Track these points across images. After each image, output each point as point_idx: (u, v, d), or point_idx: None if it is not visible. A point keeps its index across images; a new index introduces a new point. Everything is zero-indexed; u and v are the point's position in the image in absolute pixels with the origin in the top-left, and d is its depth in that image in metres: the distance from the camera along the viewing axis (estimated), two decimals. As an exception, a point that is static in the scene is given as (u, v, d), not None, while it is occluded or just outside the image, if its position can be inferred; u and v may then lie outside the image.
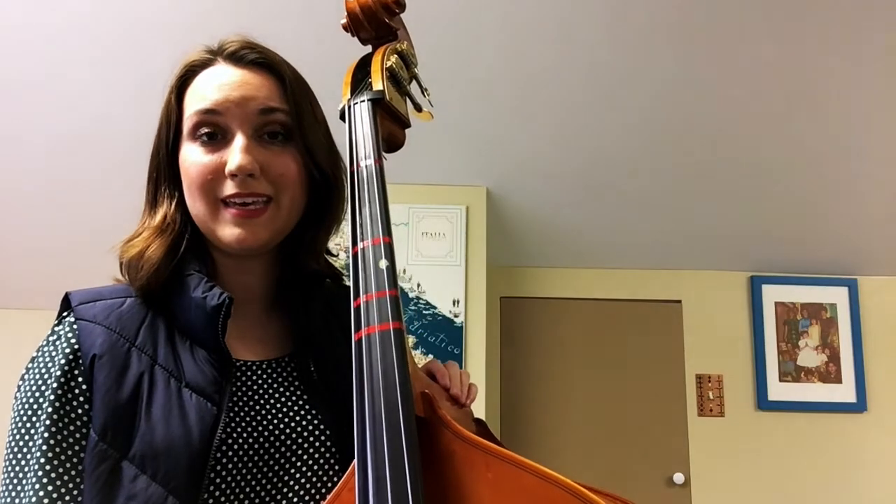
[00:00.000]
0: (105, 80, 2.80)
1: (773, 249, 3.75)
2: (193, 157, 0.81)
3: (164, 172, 0.85)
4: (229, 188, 0.80)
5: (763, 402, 3.77)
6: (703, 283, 3.91)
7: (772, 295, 3.85)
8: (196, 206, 0.82)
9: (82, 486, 0.73)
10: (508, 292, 3.91)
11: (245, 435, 0.78)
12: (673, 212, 3.52)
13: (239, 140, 0.80)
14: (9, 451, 0.75)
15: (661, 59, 2.78)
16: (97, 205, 3.21)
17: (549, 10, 2.60)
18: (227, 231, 0.81)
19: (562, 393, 3.82)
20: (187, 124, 0.82)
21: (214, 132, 0.81)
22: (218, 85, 0.82)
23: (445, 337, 3.22)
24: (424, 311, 3.24)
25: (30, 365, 0.80)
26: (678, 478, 3.68)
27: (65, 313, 0.82)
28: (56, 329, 0.80)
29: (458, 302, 3.27)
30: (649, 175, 3.31)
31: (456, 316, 3.25)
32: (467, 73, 2.83)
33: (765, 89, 2.90)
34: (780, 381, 3.78)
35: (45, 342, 0.80)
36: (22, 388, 0.78)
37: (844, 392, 3.77)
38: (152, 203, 0.85)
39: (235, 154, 0.79)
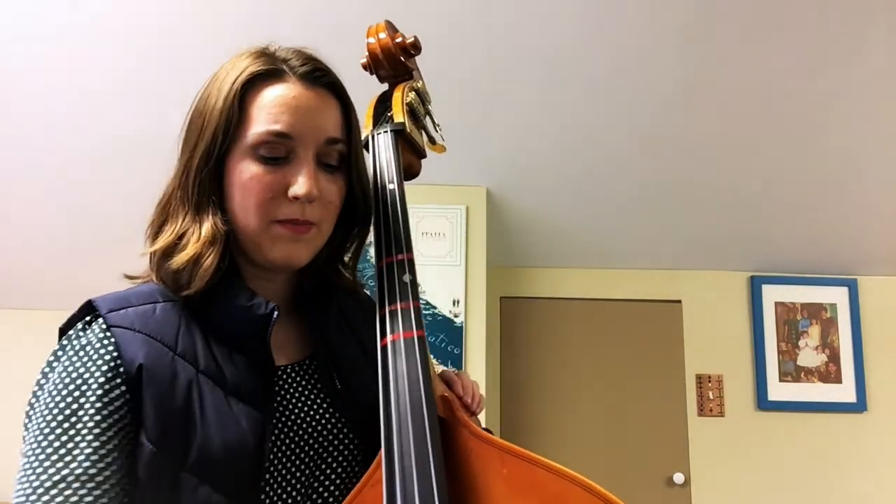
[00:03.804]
0: (107, 81, 2.80)
1: (773, 249, 3.76)
2: (254, 173, 0.80)
3: (212, 179, 0.82)
4: (287, 211, 0.81)
5: (763, 402, 3.77)
6: (703, 283, 3.92)
7: (772, 295, 3.86)
8: (249, 220, 0.81)
9: (126, 496, 0.72)
10: (508, 292, 3.92)
11: (286, 439, 0.80)
12: (673, 212, 3.52)
13: (306, 166, 0.81)
14: (34, 463, 0.71)
15: (662, 61, 2.79)
16: (98, 205, 3.21)
17: (551, 12, 2.60)
18: (276, 249, 0.82)
19: (562, 393, 3.82)
20: (252, 138, 0.80)
21: (278, 151, 0.81)
22: (294, 107, 0.81)
23: (445, 337, 3.23)
24: (424, 311, 3.24)
25: (47, 371, 0.76)
26: (678, 478, 3.69)
27: (88, 317, 0.79)
28: (82, 335, 0.77)
29: (458, 302, 3.27)
30: (650, 175, 3.32)
31: (456, 316, 3.26)
32: (467, 73, 2.83)
33: (765, 90, 2.90)
34: (780, 381, 3.79)
35: (68, 349, 0.77)
36: (44, 398, 0.74)
37: (844, 392, 3.77)
38: (196, 208, 0.82)
39: (304, 180, 0.80)
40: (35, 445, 0.72)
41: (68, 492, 0.70)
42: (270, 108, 0.81)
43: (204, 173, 0.82)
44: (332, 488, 0.83)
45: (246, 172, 0.81)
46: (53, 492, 0.70)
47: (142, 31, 2.64)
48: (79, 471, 0.70)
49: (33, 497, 0.70)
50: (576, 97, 2.95)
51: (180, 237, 0.81)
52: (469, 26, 2.67)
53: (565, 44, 2.74)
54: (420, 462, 0.64)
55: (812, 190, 3.37)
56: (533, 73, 2.85)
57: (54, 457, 0.71)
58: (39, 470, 0.71)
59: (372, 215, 0.90)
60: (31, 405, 0.76)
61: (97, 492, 0.70)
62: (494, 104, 2.99)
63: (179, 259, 0.80)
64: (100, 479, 0.71)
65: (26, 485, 0.71)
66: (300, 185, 0.80)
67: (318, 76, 0.84)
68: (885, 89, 2.90)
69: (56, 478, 0.70)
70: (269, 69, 0.83)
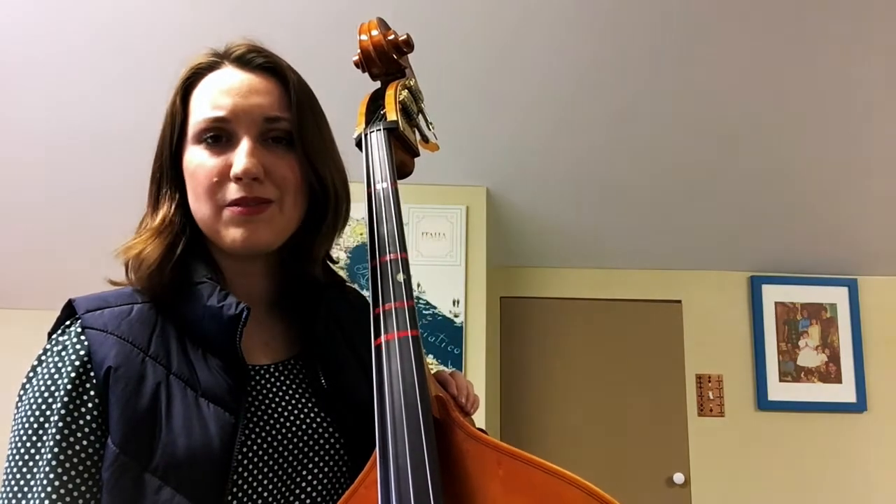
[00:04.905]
0: (107, 82, 2.80)
1: (773, 249, 3.76)
2: (199, 160, 0.82)
3: (167, 174, 0.85)
4: (234, 192, 0.81)
5: (763, 402, 3.77)
6: (703, 283, 3.91)
7: (772, 295, 3.86)
8: (201, 208, 0.83)
9: (92, 502, 0.73)
10: (508, 292, 3.91)
11: (259, 440, 0.79)
12: (673, 212, 3.52)
13: (244, 144, 0.81)
14: (12, 465, 0.74)
15: (663, 61, 2.79)
16: (97, 205, 3.21)
17: (549, 9, 2.60)
18: (231, 232, 0.82)
19: (562, 393, 3.82)
20: (194, 128, 0.83)
21: (220, 136, 0.82)
22: (226, 90, 0.83)
23: (445, 337, 3.23)
24: (424, 311, 3.24)
25: (31, 374, 0.78)
26: (678, 478, 3.68)
27: (68, 321, 0.80)
28: (61, 339, 0.79)
29: (458, 302, 3.27)
30: (649, 175, 3.32)
31: (456, 316, 3.25)
32: (467, 73, 2.83)
33: (765, 90, 2.90)
34: (780, 381, 3.79)
35: (49, 352, 0.78)
36: (25, 400, 0.77)
37: (844, 392, 3.77)
38: (154, 204, 0.85)
39: (241, 157, 0.80)
40: (9, 455, 0.75)
41: (30, 497, 0.72)
42: (206, 96, 0.83)
43: (160, 171, 0.85)
44: (319, 487, 0.82)
45: (193, 161, 0.83)
46: (19, 496, 0.72)
47: (146, 35, 2.64)
48: (41, 478, 0.72)
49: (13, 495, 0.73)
50: (576, 98, 2.95)
51: (139, 234, 0.84)
52: (469, 26, 2.67)
53: (565, 45, 2.74)
54: (415, 463, 0.64)
55: (812, 190, 3.37)
56: (533, 74, 2.85)
57: (21, 464, 0.74)
58: (11, 481, 0.73)
59: (340, 201, 0.89)
60: (14, 418, 0.78)
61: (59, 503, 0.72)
62: (494, 104, 2.99)
63: (127, 252, 0.82)
64: (62, 489, 0.72)
65: (1, 495, 0.74)
66: (237, 164, 0.80)
67: (252, 58, 0.85)
68: (885, 88, 2.90)
69: (21, 483, 0.73)
70: (209, 62, 0.86)
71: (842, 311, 3.85)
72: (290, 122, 0.84)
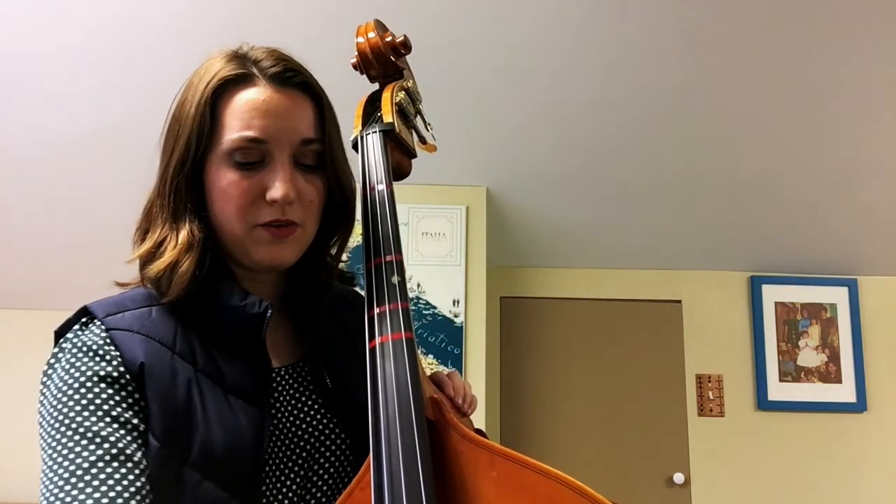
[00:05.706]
0: (108, 83, 2.80)
1: (773, 249, 3.76)
2: (231, 179, 0.81)
3: (189, 187, 0.82)
4: (268, 214, 0.81)
5: (763, 402, 3.77)
6: (703, 283, 3.91)
7: (772, 295, 3.86)
8: (231, 225, 0.82)
9: (146, 489, 0.71)
10: (508, 292, 3.92)
11: (280, 437, 0.81)
12: (673, 212, 3.52)
13: (282, 169, 0.81)
14: (69, 445, 0.70)
15: (663, 61, 2.79)
16: (98, 205, 3.21)
17: (550, 11, 2.61)
18: (262, 251, 0.82)
19: (562, 393, 3.82)
20: (226, 145, 0.81)
21: (254, 155, 0.81)
22: (264, 110, 0.81)
23: (445, 337, 3.23)
24: (424, 311, 3.24)
25: (49, 371, 0.76)
26: (678, 478, 3.68)
27: (84, 318, 0.79)
28: (82, 336, 0.77)
29: (458, 302, 3.27)
30: (649, 175, 3.32)
31: (456, 316, 3.26)
32: (468, 73, 2.84)
33: (765, 91, 2.90)
34: (780, 381, 3.79)
35: (71, 349, 0.77)
36: (56, 394, 0.74)
37: (844, 392, 3.77)
38: (174, 216, 0.82)
39: (280, 183, 0.80)
40: (58, 436, 0.71)
41: (108, 469, 0.69)
42: (242, 114, 0.81)
43: (180, 181, 0.82)
44: (324, 488, 0.84)
45: (224, 179, 0.81)
46: (93, 471, 0.69)
47: (146, 37, 2.64)
48: (114, 450, 0.70)
49: (73, 480, 0.68)
50: (576, 97, 2.95)
51: (159, 244, 0.82)
52: (470, 26, 2.67)
53: (565, 44, 2.74)
54: (408, 465, 0.64)
55: (813, 190, 3.37)
56: (533, 74, 2.85)
57: (83, 441, 0.70)
58: (72, 455, 0.70)
59: (353, 212, 0.91)
60: (41, 405, 0.76)
61: (137, 470, 0.70)
62: (494, 104, 2.99)
63: (157, 266, 0.81)
64: (135, 458, 0.71)
65: (61, 471, 0.69)
66: (277, 189, 0.80)
67: (290, 76, 0.84)
68: (886, 89, 2.90)
69: (92, 458, 0.69)
70: (240, 73, 0.82)
71: (842, 311, 3.85)
72: (322, 142, 0.85)
